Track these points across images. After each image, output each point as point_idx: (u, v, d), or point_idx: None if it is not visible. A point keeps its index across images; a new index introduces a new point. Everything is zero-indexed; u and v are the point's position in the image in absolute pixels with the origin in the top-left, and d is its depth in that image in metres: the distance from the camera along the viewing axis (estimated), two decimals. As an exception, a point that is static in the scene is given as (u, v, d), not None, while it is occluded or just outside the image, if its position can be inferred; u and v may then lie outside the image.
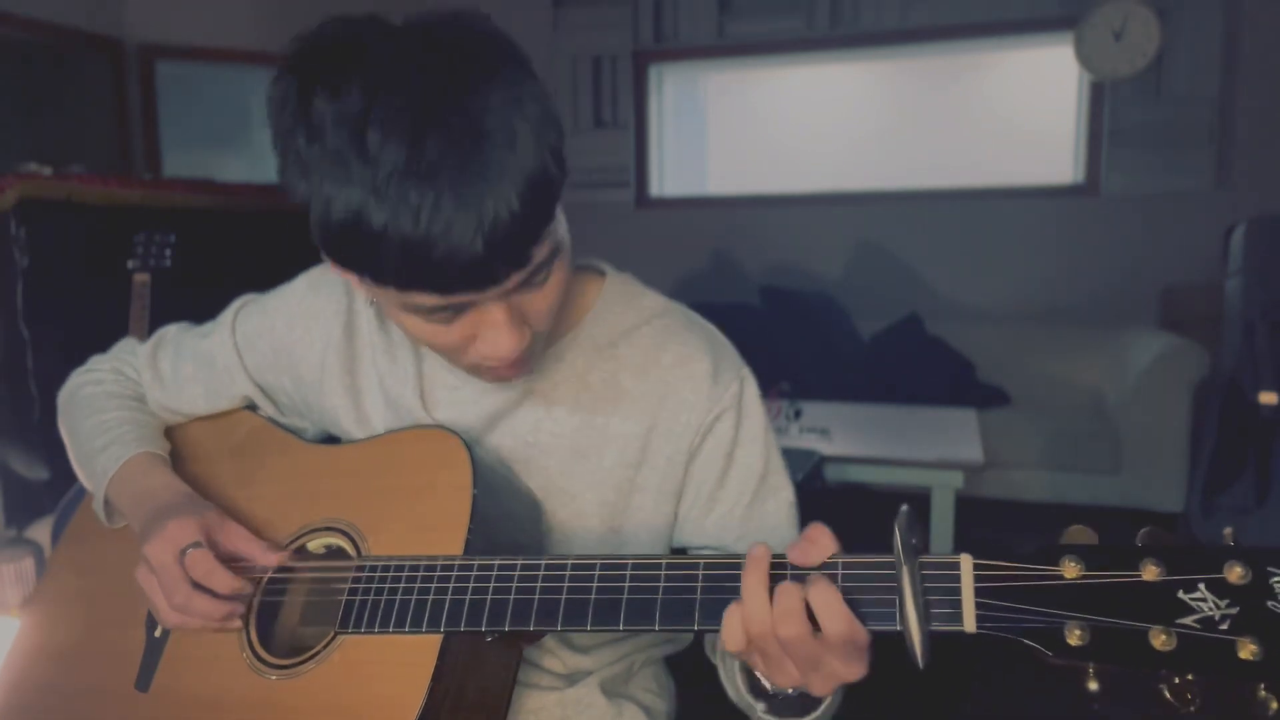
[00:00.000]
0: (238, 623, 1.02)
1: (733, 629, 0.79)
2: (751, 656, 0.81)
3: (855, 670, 0.78)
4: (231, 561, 1.02)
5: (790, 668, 0.79)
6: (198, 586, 1.00)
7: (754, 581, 0.78)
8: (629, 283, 1.12)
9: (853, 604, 0.76)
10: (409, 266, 0.79)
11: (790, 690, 0.86)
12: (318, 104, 0.79)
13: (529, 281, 0.86)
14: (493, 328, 0.87)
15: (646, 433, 1.05)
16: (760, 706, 0.90)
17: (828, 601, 0.75)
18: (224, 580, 0.99)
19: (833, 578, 0.78)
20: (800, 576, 0.78)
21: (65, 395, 1.28)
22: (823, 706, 0.88)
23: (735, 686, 0.95)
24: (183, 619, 1.00)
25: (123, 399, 1.24)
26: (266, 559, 1.02)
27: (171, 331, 1.28)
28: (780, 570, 0.80)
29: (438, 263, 0.78)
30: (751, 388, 1.07)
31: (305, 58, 0.82)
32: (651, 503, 1.06)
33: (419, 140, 0.76)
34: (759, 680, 0.90)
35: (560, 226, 0.89)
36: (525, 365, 0.95)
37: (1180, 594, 0.66)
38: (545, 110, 0.82)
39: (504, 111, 0.78)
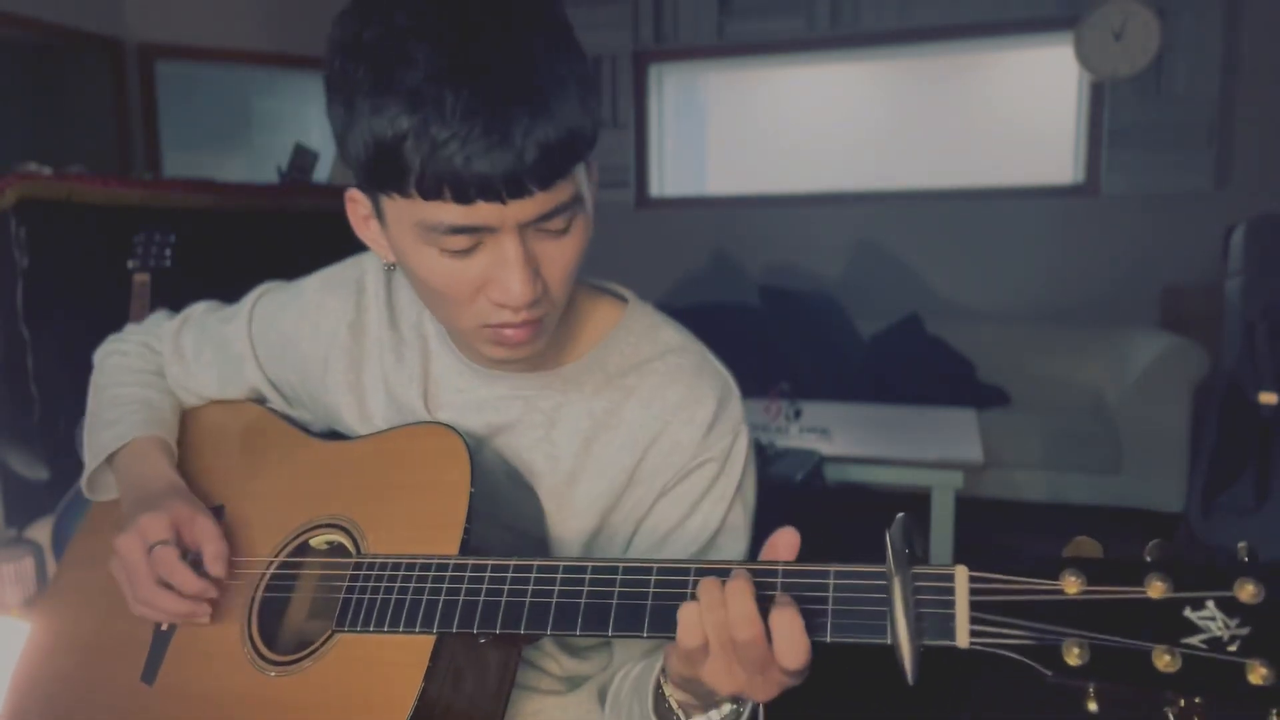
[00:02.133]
0: (206, 619, 1.03)
1: (690, 624, 0.77)
2: (701, 662, 0.79)
3: (800, 678, 0.78)
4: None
5: (738, 670, 0.77)
6: (163, 583, 1.01)
7: (710, 582, 0.78)
8: (650, 314, 1.11)
9: (842, 614, 0.75)
10: (433, 166, 0.80)
11: (717, 717, 0.86)
12: (369, 31, 0.83)
13: (548, 224, 0.87)
14: (505, 266, 0.86)
15: (635, 465, 1.04)
16: None
17: (787, 630, 0.74)
18: (186, 580, 1.00)
19: (823, 585, 0.77)
20: (766, 598, 0.77)
21: (97, 360, 1.31)
22: None
23: (640, 707, 0.94)
24: (147, 612, 1.02)
25: (143, 374, 1.26)
26: (211, 565, 1.02)
27: (198, 311, 1.30)
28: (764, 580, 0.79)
29: (462, 164, 0.79)
30: (742, 444, 1.05)
31: (361, 3, 0.86)
32: (626, 532, 1.06)
33: (463, 50, 0.79)
34: (666, 701, 0.89)
35: (585, 190, 0.90)
36: (532, 333, 0.93)
37: (1187, 612, 0.63)
38: (589, 75, 0.86)
39: (552, 55, 0.82)
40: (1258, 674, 0.60)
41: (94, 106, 5.07)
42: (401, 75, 0.79)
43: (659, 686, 0.90)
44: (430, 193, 0.82)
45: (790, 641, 0.74)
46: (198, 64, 5.31)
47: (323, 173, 4.70)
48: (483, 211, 0.83)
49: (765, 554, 0.81)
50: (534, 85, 0.80)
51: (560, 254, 0.90)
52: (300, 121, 5.65)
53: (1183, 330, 4.33)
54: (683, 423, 1.03)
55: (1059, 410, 4.46)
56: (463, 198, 0.81)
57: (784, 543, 0.80)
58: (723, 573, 0.81)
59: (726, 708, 0.87)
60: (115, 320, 2.71)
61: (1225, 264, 3.84)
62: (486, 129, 0.78)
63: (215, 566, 1.02)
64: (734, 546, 1.06)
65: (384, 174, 0.83)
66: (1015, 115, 5.15)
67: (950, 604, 0.71)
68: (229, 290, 1.31)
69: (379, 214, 0.92)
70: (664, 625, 0.82)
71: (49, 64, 4.96)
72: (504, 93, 0.79)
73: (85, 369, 1.32)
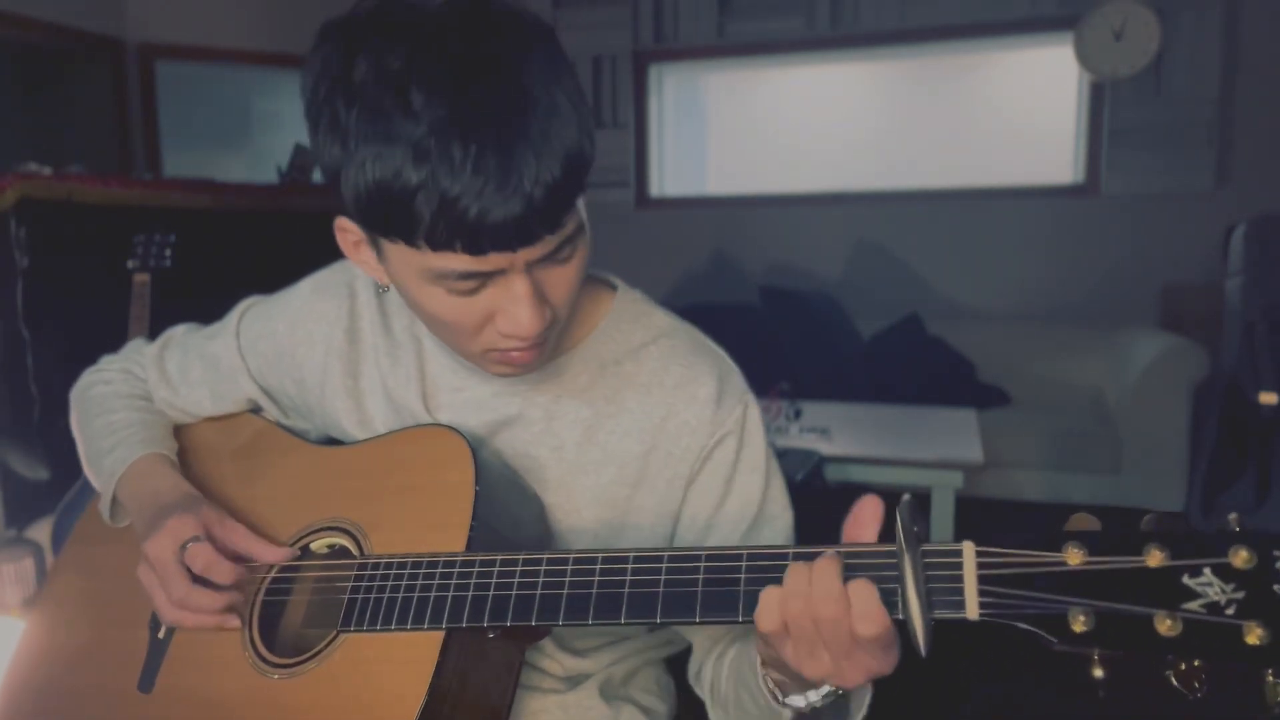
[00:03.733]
0: (237, 620, 1.02)
1: (769, 608, 0.77)
2: (783, 645, 0.79)
3: (887, 662, 0.77)
4: (234, 560, 1.02)
5: (823, 654, 0.77)
6: (197, 580, 1.00)
7: (799, 565, 0.77)
8: (640, 300, 1.11)
9: None
10: (445, 221, 0.79)
11: (815, 698, 0.85)
12: (359, 68, 0.80)
13: (554, 256, 0.87)
14: (515, 302, 0.86)
15: (646, 453, 1.04)
16: (786, 714, 0.88)
17: (863, 599, 0.74)
18: (224, 572, 0.99)
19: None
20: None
21: (76, 394, 1.29)
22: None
23: (754, 700, 0.93)
24: (183, 614, 1.01)
25: (131, 399, 1.24)
26: (270, 555, 1.02)
27: (179, 333, 1.29)
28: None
29: (475, 218, 0.78)
30: (754, 413, 1.06)
31: (345, 28, 0.83)
32: (648, 524, 1.05)
33: (462, 96, 0.77)
34: (766, 681, 0.88)
35: (585, 215, 0.90)
36: (539, 353, 0.94)
37: (1185, 579, 0.65)
38: (580, 89, 0.84)
39: (544, 81, 0.80)
40: (1254, 635, 0.62)
41: (94, 106, 5.08)
42: (402, 126, 0.77)
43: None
44: (441, 245, 0.81)
45: (864, 607, 0.74)
46: (198, 64, 5.32)
47: (323, 173, 4.70)
48: (493, 259, 0.83)
49: (849, 527, 0.81)
50: (535, 123, 0.79)
51: (564, 279, 0.91)
52: (300, 121, 5.62)
53: (1183, 330, 4.34)
54: (686, 402, 1.03)
55: (1059, 410, 4.46)
56: (475, 249, 0.81)
57: (869, 513, 0.80)
58: (733, 557, 0.82)
59: (825, 687, 0.85)
60: (115, 320, 2.74)
61: (1225, 264, 3.85)
62: (499, 182, 0.77)
63: (273, 554, 1.02)
64: (784, 516, 1.06)
65: (389, 223, 0.82)
66: (1015, 115, 5.16)
67: (959, 578, 0.73)
68: (229, 292, 1.30)
69: (375, 247, 0.91)
70: (678, 611, 0.82)
71: (49, 64, 4.96)
72: (508, 137, 0.78)
73: (85, 369, 1.32)
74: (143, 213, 3.45)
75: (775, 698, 0.88)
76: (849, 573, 0.76)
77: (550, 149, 0.79)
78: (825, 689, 0.85)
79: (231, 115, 5.69)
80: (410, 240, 0.82)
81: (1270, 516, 3.27)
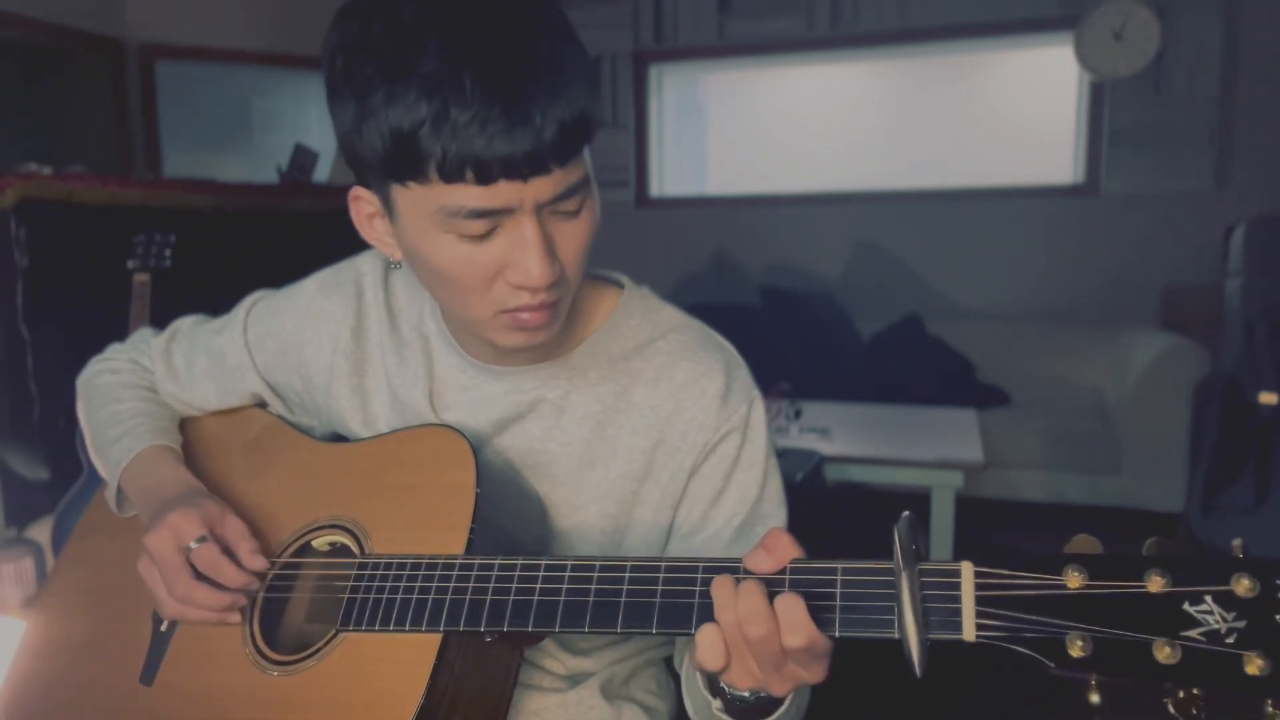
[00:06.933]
0: (238, 616, 1.02)
1: (713, 645, 0.79)
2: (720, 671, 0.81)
3: (815, 674, 0.79)
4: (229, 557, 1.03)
5: (752, 665, 0.79)
6: (200, 578, 1.00)
7: (724, 588, 0.79)
8: (647, 296, 1.12)
9: (850, 610, 0.76)
10: (456, 147, 0.80)
11: (747, 693, 0.85)
12: (375, 28, 0.83)
13: (563, 205, 0.88)
14: (524, 249, 0.87)
15: (653, 447, 1.04)
16: (716, 704, 0.89)
17: (790, 613, 0.76)
18: (229, 574, 1.00)
19: (831, 582, 0.78)
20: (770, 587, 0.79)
21: (83, 382, 1.29)
22: (780, 711, 0.88)
23: (693, 688, 0.95)
24: (184, 610, 1.01)
25: (138, 389, 1.25)
26: (250, 561, 1.02)
27: (186, 324, 1.29)
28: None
29: (484, 144, 0.80)
30: (759, 410, 1.06)
31: (358, 2, 0.87)
32: (651, 515, 1.06)
33: (473, 36, 0.81)
34: (716, 678, 0.89)
35: (592, 172, 0.92)
36: (550, 315, 0.93)
37: (1186, 606, 0.65)
38: (589, 63, 0.88)
39: (558, 42, 0.84)
40: (1254, 665, 0.62)
41: (94, 106, 5.07)
42: (416, 63, 0.80)
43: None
44: (452, 175, 0.82)
45: (792, 620, 0.76)
46: (198, 64, 5.31)
47: (323, 173, 4.70)
48: (503, 192, 0.83)
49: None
50: (548, 66, 0.82)
51: (574, 235, 0.91)
52: (300, 121, 5.66)
53: (1183, 330, 4.33)
54: (694, 398, 1.04)
55: (1059, 410, 4.46)
56: (485, 178, 0.82)
57: (784, 545, 0.81)
58: (733, 568, 0.82)
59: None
60: (115, 320, 2.74)
61: (1225, 264, 3.85)
62: (506, 109, 0.79)
63: (254, 561, 1.02)
64: (778, 514, 1.07)
65: (402, 163, 0.84)
66: (1015, 115, 5.16)
67: (956, 599, 0.73)
68: (229, 291, 1.30)
69: (388, 209, 0.92)
70: (673, 622, 0.82)
71: (49, 64, 4.96)
72: (520, 74, 0.80)
73: (88, 362, 1.31)
74: (143, 213, 3.45)
75: (709, 691, 0.90)
76: (777, 588, 0.78)
77: (563, 95, 0.82)
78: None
79: (231, 115, 5.68)
80: (422, 177, 0.83)
81: (1270, 516, 3.27)
